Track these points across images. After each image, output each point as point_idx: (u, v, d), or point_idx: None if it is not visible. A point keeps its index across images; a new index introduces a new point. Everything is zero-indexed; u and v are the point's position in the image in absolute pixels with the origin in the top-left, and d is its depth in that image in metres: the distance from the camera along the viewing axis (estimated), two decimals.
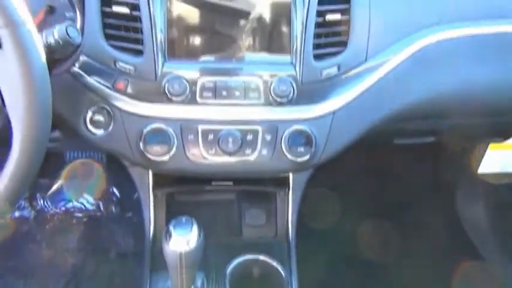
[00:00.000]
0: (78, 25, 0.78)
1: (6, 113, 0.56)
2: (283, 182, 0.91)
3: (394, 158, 1.30)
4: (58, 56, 0.71)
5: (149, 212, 0.89)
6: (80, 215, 1.60)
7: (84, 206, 1.62)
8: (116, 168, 0.92)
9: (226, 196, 1.00)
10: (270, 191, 0.95)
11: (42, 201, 1.55)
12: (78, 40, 0.69)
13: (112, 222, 1.59)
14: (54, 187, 1.56)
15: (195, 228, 0.70)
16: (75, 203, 1.61)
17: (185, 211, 0.96)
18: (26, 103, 0.55)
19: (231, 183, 0.91)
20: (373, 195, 1.31)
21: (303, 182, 0.91)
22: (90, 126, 0.78)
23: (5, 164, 0.57)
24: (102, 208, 1.62)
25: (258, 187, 0.93)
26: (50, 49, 0.67)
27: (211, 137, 0.77)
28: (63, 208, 1.60)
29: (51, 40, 0.68)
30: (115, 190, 1.65)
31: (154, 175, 0.88)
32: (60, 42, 0.67)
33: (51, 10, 0.82)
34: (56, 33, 0.67)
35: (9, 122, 0.57)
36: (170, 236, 0.69)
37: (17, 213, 1.48)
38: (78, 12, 0.79)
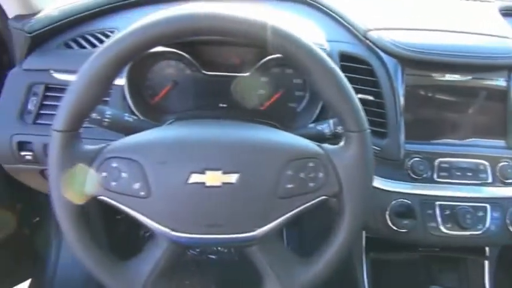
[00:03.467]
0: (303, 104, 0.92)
1: (341, 198, 0.66)
2: (477, 249, 1.00)
3: None
4: None
5: (363, 275, 0.98)
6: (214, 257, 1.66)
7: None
8: None
9: (412, 256, 1.08)
10: (463, 256, 1.04)
11: None
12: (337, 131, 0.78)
13: None
14: None
15: None
16: None
17: (379, 269, 1.04)
18: (363, 189, 0.66)
19: (437, 249, 1.00)
20: None
21: (497, 249, 1.00)
22: None
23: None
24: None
25: (455, 253, 1.02)
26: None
27: (447, 212, 0.87)
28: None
29: (327, 131, 0.79)
30: None
31: (367, 238, 0.98)
32: (331, 133, 0.78)
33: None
34: (332, 125, 0.78)
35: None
36: None
37: None
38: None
